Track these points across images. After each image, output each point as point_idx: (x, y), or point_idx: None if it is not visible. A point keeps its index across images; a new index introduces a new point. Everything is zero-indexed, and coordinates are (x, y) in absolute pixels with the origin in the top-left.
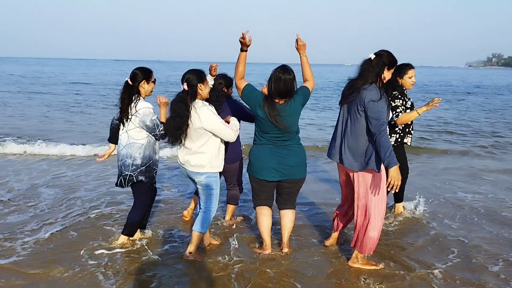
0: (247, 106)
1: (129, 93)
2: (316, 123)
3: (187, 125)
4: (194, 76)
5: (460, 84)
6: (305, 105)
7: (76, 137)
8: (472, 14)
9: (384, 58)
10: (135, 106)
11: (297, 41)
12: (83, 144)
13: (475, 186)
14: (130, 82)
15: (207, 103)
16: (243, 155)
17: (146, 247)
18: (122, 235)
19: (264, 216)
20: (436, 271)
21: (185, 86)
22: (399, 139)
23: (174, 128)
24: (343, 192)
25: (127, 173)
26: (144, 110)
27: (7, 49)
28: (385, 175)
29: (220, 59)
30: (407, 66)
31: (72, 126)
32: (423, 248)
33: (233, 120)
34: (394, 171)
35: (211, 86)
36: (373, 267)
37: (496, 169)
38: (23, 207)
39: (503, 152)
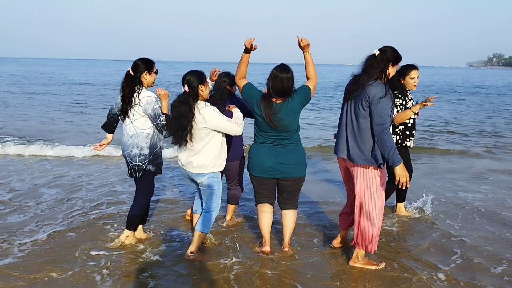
0: None
1: (131, 84)
2: (316, 123)
3: (192, 126)
4: (194, 78)
5: (461, 84)
6: (306, 106)
7: (76, 138)
8: (472, 14)
9: (389, 54)
10: (138, 96)
11: (299, 42)
12: (83, 145)
13: (476, 186)
14: (131, 73)
15: (208, 104)
16: (244, 154)
17: (145, 247)
18: (126, 230)
19: (265, 213)
20: (440, 274)
21: (186, 88)
22: (399, 141)
23: (180, 128)
24: (347, 188)
25: (135, 163)
26: (147, 98)
27: (7, 50)
28: (386, 173)
29: (220, 59)
30: (410, 67)
31: (72, 126)
32: (426, 249)
33: (236, 112)
34: (400, 169)
35: (211, 88)
36: (374, 267)
37: (497, 170)
38: (24, 207)
39: (504, 152)
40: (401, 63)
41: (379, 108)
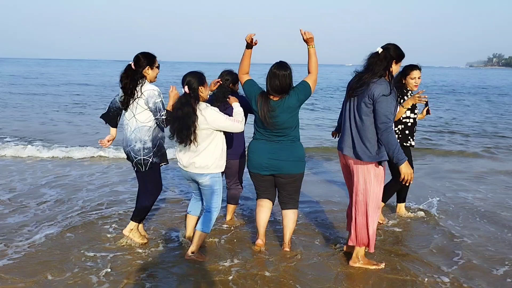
0: None
1: (133, 78)
2: (316, 123)
3: (195, 126)
4: (195, 79)
5: (461, 84)
6: (307, 106)
7: (76, 138)
8: (472, 14)
9: (392, 52)
10: (141, 89)
11: (303, 35)
12: (83, 146)
13: (477, 187)
14: (133, 67)
15: (209, 104)
16: (246, 152)
17: (145, 247)
18: (131, 222)
19: (261, 207)
20: (443, 277)
21: (186, 89)
22: (398, 141)
23: (185, 127)
24: (348, 186)
25: (140, 157)
26: (149, 92)
27: (7, 50)
28: (384, 171)
29: (220, 60)
30: (411, 67)
31: (72, 127)
32: (428, 251)
33: (236, 106)
34: (405, 167)
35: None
36: (374, 267)
37: (497, 170)
38: (24, 208)
39: (505, 152)
40: (404, 63)
41: (383, 106)
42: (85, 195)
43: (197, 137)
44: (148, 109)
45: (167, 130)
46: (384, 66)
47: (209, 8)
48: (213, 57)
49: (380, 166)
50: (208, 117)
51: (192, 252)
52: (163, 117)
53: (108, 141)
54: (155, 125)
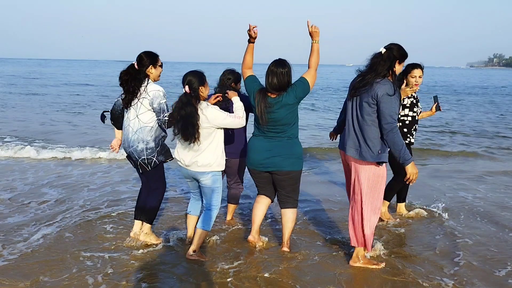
0: None
1: (136, 77)
2: (317, 123)
3: (198, 125)
4: (195, 79)
5: (462, 84)
6: (307, 106)
7: (76, 139)
8: (473, 14)
9: (395, 52)
10: (146, 89)
11: (309, 28)
12: (82, 146)
13: (478, 187)
14: (136, 67)
15: (209, 103)
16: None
17: (144, 248)
18: (146, 224)
19: (258, 203)
20: (445, 278)
21: (187, 89)
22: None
23: (190, 125)
24: (347, 185)
25: (144, 157)
26: (155, 92)
27: (7, 50)
28: (385, 172)
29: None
30: (412, 66)
31: (72, 127)
32: (429, 251)
33: (236, 102)
34: (411, 167)
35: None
36: (374, 266)
37: (498, 170)
38: (24, 208)
39: (505, 152)
40: (405, 63)
41: (388, 107)
42: (86, 194)
43: (199, 135)
44: (152, 109)
45: (168, 129)
46: (388, 66)
47: (209, 8)
48: (213, 57)
49: (380, 166)
50: (209, 115)
51: (194, 251)
52: (166, 118)
53: (119, 146)
54: (157, 125)
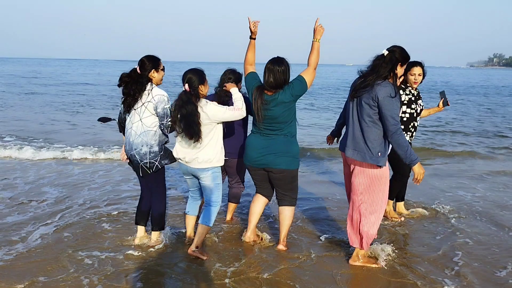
0: None
1: (138, 81)
2: (317, 123)
3: (200, 123)
4: (195, 77)
5: (463, 84)
6: (307, 106)
7: (76, 138)
8: (473, 14)
9: (397, 54)
10: (151, 93)
11: (315, 25)
12: (83, 146)
13: (479, 187)
14: (138, 71)
15: (208, 100)
16: None
17: (142, 247)
18: (153, 232)
19: (254, 202)
20: (446, 280)
21: (187, 87)
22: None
23: (193, 123)
24: (346, 186)
25: (147, 161)
26: (160, 97)
27: (7, 50)
28: (387, 172)
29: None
30: (412, 63)
31: (72, 127)
32: (429, 251)
33: (235, 93)
34: (418, 167)
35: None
36: (373, 265)
37: (499, 170)
38: (24, 207)
39: (505, 153)
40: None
41: (389, 109)
42: (86, 193)
43: (201, 133)
44: (156, 114)
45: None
46: (389, 68)
47: (209, 8)
48: (213, 57)
49: (381, 168)
50: (209, 112)
51: (197, 247)
52: (169, 123)
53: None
54: (160, 130)
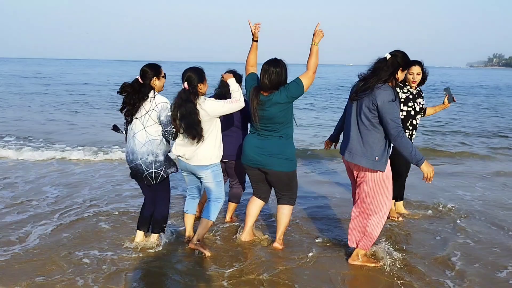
0: None
1: (140, 91)
2: (318, 123)
3: (200, 121)
4: (195, 76)
5: (463, 84)
6: (306, 106)
7: (76, 138)
8: (473, 14)
9: (399, 59)
10: (154, 101)
11: (315, 29)
12: (83, 145)
13: (478, 187)
14: (140, 80)
15: (206, 97)
16: None
17: (141, 247)
18: (153, 234)
19: (250, 204)
20: (446, 280)
21: (186, 85)
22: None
23: (195, 123)
24: (352, 187)
25: (151, 170)
26: (163, 104)
27: (7, 50)
28: (389, 173)
29: (221, 60)
30: (411, 62)
31: (72, 127)
32: (429, 251)
33: (232, 84)
34: (425, 166)
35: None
36: (373, 265)
37: (500, 170)
38: (24, 206)
39: (507, 152)
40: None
41: (390, 112)
42: (86, 193)
43: (202, 131)
44: (159, 122)
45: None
46: (390, 72)
47: (209, 8)
48: (213, 57)
49: (382, 171)
50: (208, 109)
51: (198, 240)
52: (173, 129)
53: None
54: (163, 138)
